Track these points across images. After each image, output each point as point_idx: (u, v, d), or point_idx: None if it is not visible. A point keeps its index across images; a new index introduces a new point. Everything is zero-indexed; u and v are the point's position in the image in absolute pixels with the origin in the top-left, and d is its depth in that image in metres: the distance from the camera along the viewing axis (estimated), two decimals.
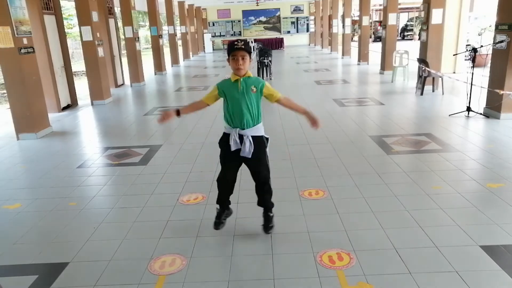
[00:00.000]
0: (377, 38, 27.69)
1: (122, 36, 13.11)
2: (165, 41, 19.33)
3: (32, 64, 6.24)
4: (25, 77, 6.04)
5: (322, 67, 14.65)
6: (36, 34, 7.35)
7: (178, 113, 2.91)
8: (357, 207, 3.45)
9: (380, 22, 23.29)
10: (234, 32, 28.45)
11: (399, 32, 29.29)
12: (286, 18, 28.34)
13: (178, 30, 21.84)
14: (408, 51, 10.57)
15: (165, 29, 19.71)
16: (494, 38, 6.15)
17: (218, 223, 3.07)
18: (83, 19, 8.82)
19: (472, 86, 6.41)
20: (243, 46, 2.71)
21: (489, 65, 6.60)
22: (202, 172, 4.47)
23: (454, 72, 11.43)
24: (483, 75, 7.42)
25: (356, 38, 21.72)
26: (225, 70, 14.63)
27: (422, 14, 9.15)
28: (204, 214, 3.40)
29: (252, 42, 23.40)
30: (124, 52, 12.75)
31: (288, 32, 28.49)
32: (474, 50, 6.42)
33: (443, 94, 8.41)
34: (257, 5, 26.05)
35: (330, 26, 21.16)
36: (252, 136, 2.80)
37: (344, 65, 15.29)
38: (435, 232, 2.97)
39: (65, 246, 3.04)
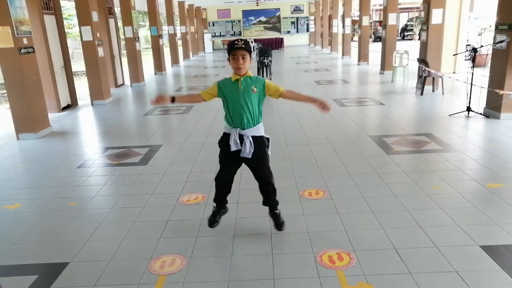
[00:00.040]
0: (377, 38, 27.69)
1: (122, 36, 13.12)
2: (165, 41, 19.34)
3: (32, 64, 6.24)
4: (25, 77, 6.04)
5: (322, 67, 14.66)
6: (36, 34, 7.35)
7: (173, 99, 2.88)
8: (357, 207, 3.45)
9: (380, 22, 23.29)
10: (234, 32, 28.45)
11: (399, 32, 29.30)
12: (286, 18, 28.35)
13: (178, 30, 21.84)
14: (408, 51, 10.57)
15: (165, 29, 19.71)
16: (494, 38, 6.15)
17: (213, 221, 3.08)
18: (83, 19, 8.83)
19: (472, 86, 6.41)
20: (243, 46, 2.71)
21: (489, 65, 6.60)
22: (202, 172, 4.47)
23: (454, 72, 11.43)
24: (483, 75, 7.42)
25: (356, 38, 21.72)
26: (225, 70, 14.63)
27: (422, 14, 9.15)
28: (204, 214, 3.40)
29: (252, 42, 23.44)
30: (124, 52, 12.76)
31: (288, 32, 28.50)
32: (474, 50, 6.42)
33: (443, 94, 8.41)
34: (257, 5, 26.05)
35: (330, 26, 21.16)
36: (252, 136, 2.80)
37: (344, 65, 15.29)
38: (435, 232, 2.97)
39: (65, 246, 3.04)
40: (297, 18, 28.36)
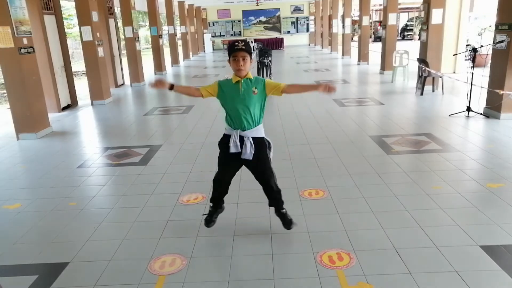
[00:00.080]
0: (377, 38, 27.69)
1: (122, 36, 13.11)
2: (165, 41, 19.33)
3: (32, 64, 6.24)
4: (25, 77, 6.04)
5: (322, 67, 14.66)
6: (36, 34, 7.35)
7: (171, 87, 2.83)
8: (357, 207, 3.45)
9: (380, 22, 23.29)
10: (234, 32, 28.45)
11: (399, 32, 29.29)
12: (286, 18, 28.35)
13: (178, 30, 21.84)
14: (408, 51, 10.57)
15: (165, 29, 19.71)
16: (494, 38, 6.15)
17: (210, 220, 3.09)
18: (83, 19, 8.83)
19: (472, 86, 6.41)
20: (243, 47, 2.70)
21: (489, 65, 6.60)
22: (202, 172, 4.47)
23: (454, 72, 11.43)
24: (483, 75, 7.42)
25: (356, 38, 21.72)
26: (225, 70, 14.63)
27: (422, 14, 9.15)
28: (205, 212, 3.40)
29: (252, 42, 23.44)
30: (124, 52, 12.75)
31: (288, 32, 28.49)
32: (474, 50, 6.42)
33: (443, 94, 8.41)
34: (257, 5, 26.06)
35: (330, 26, 21.16)
36: (252, 138, 2.79)
37: (344, 65, 15.29)
38: (435, 232, 2.97)
39: (65, 246, 3.04)
40: (297, 18, 28.36)
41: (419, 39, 10.41)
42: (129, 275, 2.64)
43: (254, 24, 28.49)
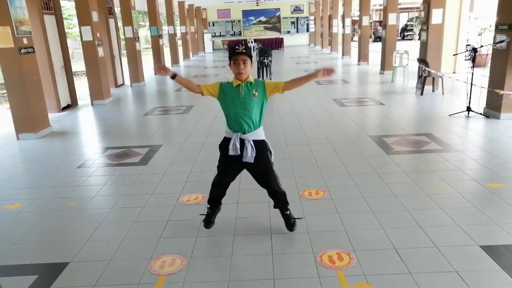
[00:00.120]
0: (377, 38, 27.69)
1: (122, 36, 13.11)
2: (165, 41, 19.33)
3: (32, 64, 6.24)
4: (25, 77, 6.04)
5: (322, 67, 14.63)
6: (36, 34, 7.35)
7: (174, 76, 2.82)
8: (357, 207, 3.45)
9: (380, 22, 23.29)
10: (234, 32, 28.44)
11: (399, 32, 29.29)
12: (286, 18, 28.34)
13: (178, 30, 21.84)
14: (408, 51, 10.57)
15: (165, 29, 19.72)
16: (494, 38, 6.15)
17: (209, 222, 3.11)
18: (83, 19, 8.83)
19: (472, 86, 6.41)
20: (244, 51, 2.71)
21: (489, 65, 6.60)
22: (202, 172, 4.47)
23: (454, 72, 11.43)
24: (483, 75, 7.42)
25: (356, 38, 21.72)
26: (225, 70, 14.63)
27: (422, 14, 9.15)
28: (204, 213, 3.40)
29: (252, 42, 23.43)
30: (124, 52, 12.75)
31: (288, 32, 28.49)
32: (474, 50, 6.42)
33: (443, 94, 8.41)
34: (257, 5, 26.05)
35: (330, 26, 21.16)
36: (253, 141, 2.80)
37: (344, 65, 15.29)
38: (435, 232, 2.97)
39: (65, 246, 3.04)
40: (297, 18, 28.35)
41: (419, 39, 10.41)
42: (129, 275, 2.64)
43: (254, 24, 28.48)
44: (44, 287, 2.56)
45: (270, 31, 28.36)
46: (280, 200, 3.02)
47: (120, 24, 13.36)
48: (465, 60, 11.00)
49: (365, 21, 14.81)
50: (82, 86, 11.27)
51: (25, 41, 6.06)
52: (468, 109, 6.40)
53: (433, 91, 8.66)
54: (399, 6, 17.21)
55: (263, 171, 2.92)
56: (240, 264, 2.72)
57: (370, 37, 23.05)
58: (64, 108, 8.64)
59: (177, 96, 10.15)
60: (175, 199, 3.78)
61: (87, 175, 4.57)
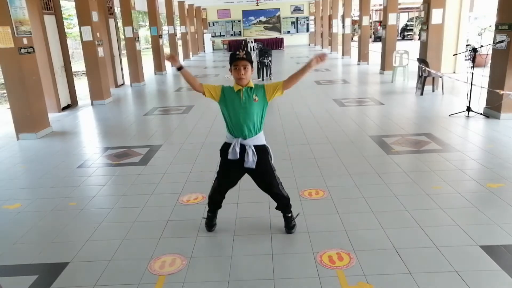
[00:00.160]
0: (377, 38, 27.69)
1: (122, 36, 13.11)
2: (165, 41, 19.33)
3: (32, 64, 6.24)
4: (25, 77, 6.04)
5: (322, 67, 14.65)
6: (36, 34, 7.35)
7: (180, 68, 2.82)
8: (357, 207, 3.45)
9: (380, 22, 23.29)
10: (234, 32, 28.44)
11: (399, 32, 29.29)
12: (286, 18, 28.34)
13: (178, 30, 21.84)
14: (408, 51, 10.57)
15: (165, 29, 19.71)
16: (494, 38, 6.15)
17: (211, 225, 3.14)
18: (83, 19, 8.83)
19: (472, 86, 6.42)
20: (244, 56, 2.72)
21: (489, 65, 6.60)
22: (202, 172, 4.47)
23: (454, 72, 11.43)
24: (483, 75, 7.42)
25: (356, 38, 21.72)
26: (225, 70, 14.63)
27: (422, 14, 9.15)
28: (204, 214, 3.40)
29: (252, 42, 23.45)
30: (124, 52, 12.75)
31: (288, 32, 28.49)
32: (474, 50, 6.42)
33: (443, 94, 8.41)
34: (257, 5, 26.04)
35: (330, 26, 21.16)
36: (254, 146, 2.80)
37: (344, 65, 15.30)
38: (435, 232, 2.97)
39: (65, 246, 3.04)
40: (297, 18, 28.35)
41: (419, 39, 10.41)
42: (129, 275, 2.64)
43: (254, 24, 28.48)
44: (44, 287, 2.56)
45: (270, 31, 28.36)
46: (283, 204, 3.05)
47: (120, 24, 13.36)
48: (465, 60, 11.00)
49: (365, 21, 14.82)
50: (82, 86, 11.27)
51: (25, 41, 6.07)
52: (468, 109, 6.40)
53: (433, 91, 8.66)
54: (399, 6, 17.21)
55: (264, 177, 2.93)
56: (240, 264, 2.72)
57: (370, 37, 23.05)
58: (64, 108, 8.64)
59: (177, 96, 10.16)
60: (175, 199, 3.78)
61: (87, 175, 4.57)
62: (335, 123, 6.35)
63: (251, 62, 2.77)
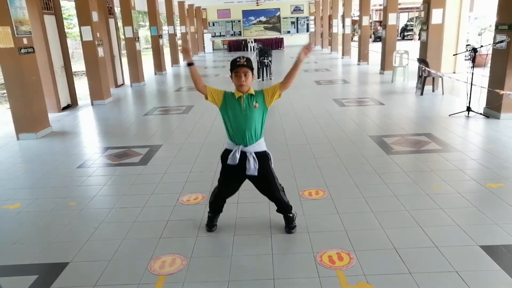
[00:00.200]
0: (377, 38, 27.69)
1: (122, 36, 13.11)
2: (165, 41, 19.34)
3: (32, 64, 6.24)
4: (25, 77, 6.04)
5: (322, 67, 14.65)
6: (36, 34, 7.35)
7: (190, 64, 2.84)
8: (357, 207, 3.45)
9: (380, 22, 23.29)
10: (234, 32, 28.45)
11: (399, 32, 29.29)
12: (286, 18, 28.34)
13: (178, 30, 21.84)
14: (408, 51, 10.57)
15: (165, 29, 19.71)
16: (494, 38, 6.15)
17: (211, 225, 3.16)
18: (83, 19, 8.83)
19: (472, 86, 6.41)
20: (245, 63, 2.73)
21: (489, 65, 6.60)
22: (202, 172, 4.47)
23: (454, 72, 11.43)
24: (483, 75, 7.42)
25: (356, 38, 21.72)
26: (225, 70, 14.63)
27: (422, 14, 9.15)
28: (204, 214, 3.40)
29: (252, 42, 23.45)
30: (124, 52, 12.75)
31: (288, 32, 28.49)
32: (474, 50, 6.42)
33: (443, 94, 8.41)
34: (257, 5, 26.05)
35: (330, 26, 21.16)
36: (255, 152, 2.82)
37: (344, 65, 15.29)
38: (435, 232, 2.97)
39: (65, 246, 3.04)
40: (297, 18, 28.36)
41: (419, 39, 10.41)
42: (129, 275, 2.64)
43: (254, 24, 28.49)
44: (44, 287, 2.56)
45: (270, 31, 28.36)
46: (283, 209, 3.08)
47: (120, 24, 13.36)
48: (465, 60, 11.00)
49: (365, 21, 14.81)
50: (82, 86, 11.27)
51: (25, 41, 6.07)
52: (468, 109, 6.40)
53: (433, 91, 8.66)
54: (399, 6, 17.21)
55: (265, 183, 2.96)
56: (240, 264, 2.72)
57: (370, 37, 23.05)
58: (64, 108, 8.64)
59: (177, 96, 10.16)
60: (175, 199, 3.78)
61: (87, 175, 4.57)
62: (335, 123, 6.35)
63: (252, 69, 2.79)
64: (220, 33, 28.47)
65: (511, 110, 6.08)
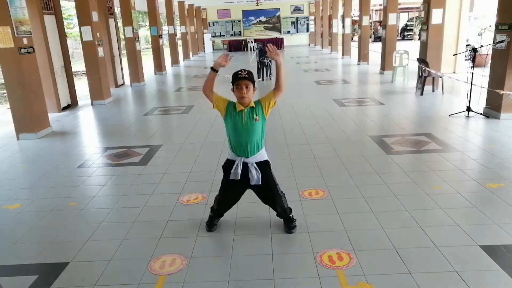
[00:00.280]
0: (377, 38, 27.69)
1: (122, 36, 13.11)
2: (165, 41, 19.34)
3: (32, 64, 6.24)
4: (25, 77, 6.04)
5: (322, 67, 14.65)
6: (36, 34, 7.35)
7: (216, 70, 2.83)
8: (357, 207, 3.45)
9: (380, 22, 23.29)
10: (234, 32, 28.45)
11: (399, 32, 29.29)
12: (286, 18, 28.34)
13: (178, 30, 21.84)
14: (408, 51, 10.57)
15: (165, 29, 19.72)
16: (494, 38, 6.15)
17: (212, 225, 3.16)
18: (83, 19, 8.83)
19: (472, 86, 6.41)
20: (246, 76, 2.75)
21: (489, 65, 6.60)
22: (202, 172, 4.47)
23: (454, 72, 11.43)
24: (483, 75, 7.42)
25: (356, 38, 21.72)
26: (225, 70, 14.58)
27: (422, 14, 9.15)
28: (204, 214, 3.40)
29: (252, 42, 23.45)
30: (124, 52, 12.75)
31: (288, 32, 28.49)
32: (474, 50, 6.42)
33: (443, 94, 8.41)
34: (257, 5, 26.05)
35: (330, 26, 21.16)
36: (256, 163, 2.86)
37: (344, 65, 15.29)
38: (435, 232, 2.97)
39: (65, 246, 3.04)
40: (297, 18, 28.35)
41: (419, 39, 10.41)
42: (129, 275, 2.64)
43: (254, 24, 28.48)
44: (44, 287, 2.56)
45: (270, 31, 28.36)
46: (283, 215, 3.10)
47: (120, 24, 13.36)
48: (465, 60, 11.00)
49: (365, 21, 14.82)
50: (82, 86, 11.26)
51: (25, 41, 6.06)
52: (468, 109, 6.40)
53: (433, 91, 8.66)
54: (399, 6, 17.21)
55: (267, 192, 3.00)
56: (240, 264, 2.72)
57: (370, 37, 23.05)
58: (64, 108, 8.64)
59: (177, 96, 10.16)
60: (175, 199, 3.78)
61: (87, 175, 4.57)
62: (335, 123, 6.35)
63: (253, 82, 2.81)
64: (220, 33, 28.47)
65: (511, 110, 6.08)
